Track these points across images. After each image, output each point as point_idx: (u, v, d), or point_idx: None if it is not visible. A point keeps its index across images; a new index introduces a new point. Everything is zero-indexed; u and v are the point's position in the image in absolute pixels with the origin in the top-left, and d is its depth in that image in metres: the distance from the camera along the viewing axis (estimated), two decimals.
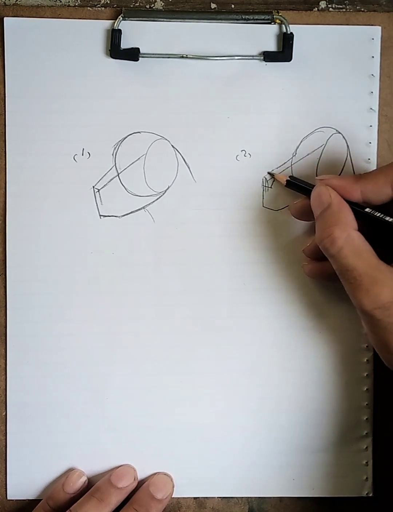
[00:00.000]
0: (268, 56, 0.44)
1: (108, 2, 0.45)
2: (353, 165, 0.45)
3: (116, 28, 0.44)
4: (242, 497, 0.46)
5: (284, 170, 0.45)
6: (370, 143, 0.45)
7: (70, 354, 0.45)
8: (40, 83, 0.44)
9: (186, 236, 0.45)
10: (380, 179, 0.40)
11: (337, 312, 0.45)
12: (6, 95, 0.44)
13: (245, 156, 0.45)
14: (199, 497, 0.46)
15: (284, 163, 0.45)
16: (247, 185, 0.45)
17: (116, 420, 0.45)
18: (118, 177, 0.45)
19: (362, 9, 0.45)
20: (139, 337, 0.45)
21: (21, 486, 0.45)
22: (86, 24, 0.44)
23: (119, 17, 0.44)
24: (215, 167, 0.45)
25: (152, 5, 0.45)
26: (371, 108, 0.45)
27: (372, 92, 0.45)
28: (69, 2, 0.45)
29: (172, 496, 0.45)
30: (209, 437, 0.45)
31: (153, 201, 0.45)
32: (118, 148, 0.45)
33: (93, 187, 0.45)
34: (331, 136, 0.45)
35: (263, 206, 0.45)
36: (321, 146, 0.45)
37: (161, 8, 0.45)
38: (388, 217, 0.40)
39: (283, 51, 0.44)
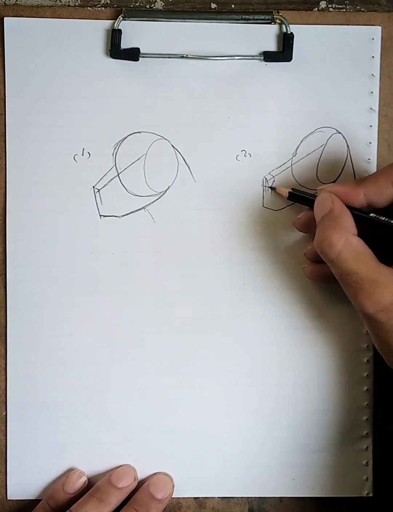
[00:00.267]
0: (268, 56, 0.44)
1: (108, 2, 0.45)
2: (353, 165, 0.45)
3: (116, 28, 0.44)
4: (242, 497, 0.46)
5: (284, 170, 0.45)
6: (370, 143, 0.45)
7: (70, 354, 0.45)
8: (40, 83, 0.44)
9: (186, 236, 0.45)
10: (381, 180, 0.40)
11: (337, 312, 0.45)
12: (6, 95, 0.44)
13: (245, 156, 0.45)
14: (199, 497, 0.46)
15: (284, 163, 0.45)
16: (247, 185, 0.45)
17: (116, 420, 0.45)
18: (118, 177, 0.45)
19: (362, 9, 0.45)
20: (139, 337, 0.45)
21: (21, 486, 0.45)
22: (86, 24, 0.44)
23: (119, 17, 0.44)
24: (215, 167, 0.45)
25: (152, 5, 0.45)
26: (371, 108, 0.45)
27: (372, 92, 0.45)
28: (69, 2, 0.45)
29: (172, 496, 0.45)
30: (209, 437, 0.45)
31: (153, 201, 0.45)
32: (118, 148, 0.45)
33: (93, 187, 0.45)
34: (331, 136, 0.45)
35: (263, 206, 0.45)
36: (321, 146, 0.45)
37: (161, 8, 0.45)
38: None
39: (283, 51, 0.44)
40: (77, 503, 0.43)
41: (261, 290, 0.45)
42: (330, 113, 0.45)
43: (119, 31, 0.44)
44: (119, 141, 0.45)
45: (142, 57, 0.44)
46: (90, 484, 0.45)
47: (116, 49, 0.44)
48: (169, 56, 0.44)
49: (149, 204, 0.45)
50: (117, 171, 0.45)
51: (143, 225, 0.45)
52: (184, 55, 0.44)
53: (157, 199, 0.45)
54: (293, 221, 0.44)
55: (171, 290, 0.45)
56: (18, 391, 0.45)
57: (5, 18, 0.44)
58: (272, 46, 0.44)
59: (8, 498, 0.45)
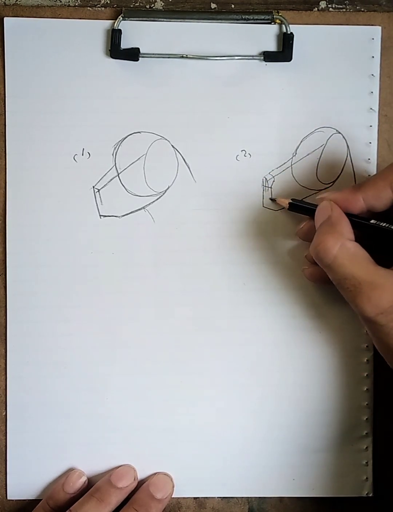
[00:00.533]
0: (268, 56, 0.44)
1: (108, 2, 0.45)
2: (353, 165, 0.45)
3: (116, 28, 0.44)
4: (242, 497, 0.46)
5: (284, 170, 0.45)
6: (370, 143, 0.45)
7: (70, 354, 0.45)
8: (40, 83, 0.44)
9: (186, 236, 0.45)
10: (379, 183, 0.40)
11: (337, 312, 0.45)
12: (6, 95, 0.44)
13: (245, 156, 0.45)
14: (199, 497, 0.46)
15: (284, 163, 0.45)
16: (247, 185, 0.45)
17: (116, 420, 0.45)
18: (118, 177, 0.45)
19: (362, 9, 0.45)
20: (139, 337, 0.45)
21: (21, 486, 0.45)
22: (86, 24, 0.44)
23: (119, 17, 0.44)
24: (215, 167, 0.45)
25: (152, 5, 0.45)
26: (371, 108, 0.45)
27: (372, 92, 0.45)
28: (69, 2, 0.45)
29: (172, 496, 0.45)
30: (209, 437, 0.45)
31: (153, 201, 0.45)
32: (118, 148, 0.45)
33: (93, 187, 0.45)
34: (331, 136, 0.45)
35: (263, 206, 0.45)
36: (321, 146, 0.45)
37: (161, 8, 0.45)
38: None
39: (283, 51, 0.44)
40: (77, 503, 0.43)
41: (261, 290, 0.45)
42: (330, 113, 0.45)
43: (119, 31, 0.44)
44: (119, 141, 0.45)
45: (142, 57, 0.44)
46: (90, 484, 0.45)
47: (116, 49, 0.44)
48: (169, 56, 0.44)
49: (149, 204, 0.45)
50: (117, 171, 0.45)
51: (143, 225, 0.45)
52: (184, 55, 0.44)
53: (157, 199, 0.45)
54: (296, 231, 0.44)
55: (171, 290, 0.45)
56: (18, 391, 0.45)
57: (5, 18, 0.44)
58: (272, 46, 0.44)
59: (8, 498, 0.45)
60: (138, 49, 0.44)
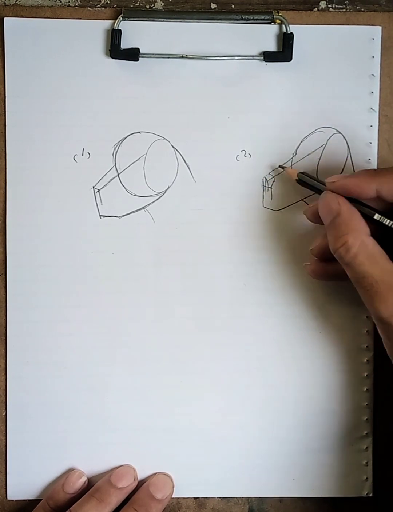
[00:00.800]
0: (268, 56, 0.44)
1: (108, 2, 0.45)
2: (353, 165, 0.45)
3: (116, 28, 0.44)
4: (242, 497, 0.46)
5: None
6: (370, 143, 0.45)
7: (70, 354, 0.45)
8: (40, 83, 0.44)
9: (186, 236, 0.45)
10: None
11: (338, 312, 0.45)
12: (6, 95, 0.44)
13: (245, 156, 0.45)
14: (199, 497, 0.46)
15: (284, 163, 0.45)
16: (247, 185, 0.45)
17: (116, 420, 0.45)
18: (118, 177, 0.45)
19: (362, 9, 0.45)
20: (139, 337, 0.45)
21: (21, 486, 0.45)
22: (86, 24, 0.44)
23: (119, 17, 0.44)
24: (215, 167, 0.45)
25: (152, 5, 0.45)
26: (371, 108, 0.45)
27: (372, 92, 0.45)
28: (69, 2, 0.45)
29: (172, 496, 0.45)
30: (209, 437, 0.45)
31: (153, 201, 0.45)
32: (118, 148, 0.45)
33: (93, 187, 0.45)
34: (331, 136, 0.45)
35: (263, 206, 0.45)
36: (321, 146, 0.45)
37: (161, 8, 0.45)
38: None
39: (283, 51, 0.44)
40: (77, 503, 0.43)
41: (261, 290, 0.45)
42: (330, 113, 0.45)
43: (119, 31, 0.44)
44: (119, 141, 0.45)
45: (142, 57, 0.44)
46: (90, 484, 0.45)
47: (116, 49, 0.44)
48: (169, 56, 0.44)
49: (149, 204, 0.45)
50: (117, 171, 0.45)
51: (143, 225, 0.45)
52: (184, 55, 0.44)
53: (157, 199, 0.45)
54: (304, 210, 0.43)
55: (171, 290, 0.45)
56: (18, 391, 0.45)
57: (5, 18, 0.44)
58: (272, 46, 0.44)
59: (8, 498, 0.45)
60: (138, 49, 0.44)
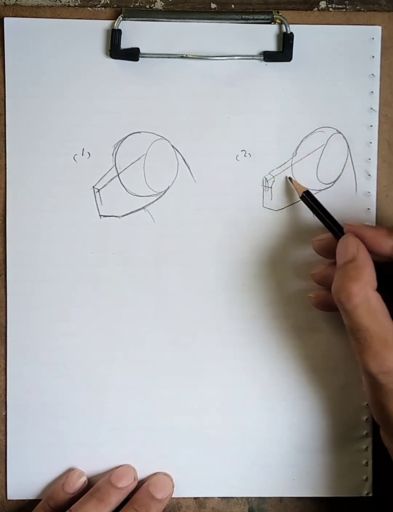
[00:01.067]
0: (268, 56, 0.44)
1: (108, 2, 0.45)
2: (353, 165, 0.45)
3: (116, 28, 0.44)
4: (242, 497, 0.46)
5: (284, 170, 0.45)
6: (370, 143, 0.45)
7: (70, 354, 0.45)
8: (40, 83, 0.44)
9: (186, 236, 0.45)
10: None
11: (338, 312, 0.45)
12: (6, 95, 0.44)
13: (245, 156, 0.45)
14: (199, 497, 0.46)
15: (284, 163, 0.45)
16: (247, 185, 0.45)
17: (116, 420, 0.45)
18: (118, 177, 0.45)
19: (362, 9, 0.45)
20: (139, 337, 0.45)
21: (21, 486, 0.45)
22: (86, 24, 0.44)
23: (119, 17, 0.44)
24: (215, 167, 0.45)
25: (152, 5, 0.45)
26: (371, 108, 0.45)
27: (372, 92, 0.45)
28: (69, 2, 0.45)
29: (172, 496, 0.45)
30: (209, 437, 0.45)
31: (153, 201, 0.45)
32: (118, 148, 0.45)
33: (93, 187, 0.45)
34: (331, 136, 0.45)
35: (263, 206, 0.45)
36: (321, 146, 0.45)
37: (161, 8, 0.45)
38: None
39: (283, 51, 0.44)
40: (77, 503, 0.43)
41: (261, 290, 0.45)
42: (330, 113, 0.45)
43: (119, 31, 0.44)
44: (119, 141, 0.45)
45: (142, 57, 0.44)
46: (90, 484, 0.45)
47: (116, 49, 0.44)
48: (169, 56, 0.44)
49: (149, 204, 0.45)
50: (117, 171, 0.45)
51: (143, 225, 0.45)
52: (184, 55, 0.44)
53: (157, 199, 0.45)
54: (312, 241, 0.43)
55: (171, 290, 0.45)
56: (18, 391, 0.45)
57: (5, 18, 0.44)
58: (272, 46, 0.44)
59: (8, 498, 0.45)
60: (138, 49, 0.44)
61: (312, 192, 0.44)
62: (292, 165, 0.45)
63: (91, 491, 0.44)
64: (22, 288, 0.45)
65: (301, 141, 0.45)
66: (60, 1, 0.45)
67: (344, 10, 0.45)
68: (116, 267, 0.45)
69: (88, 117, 0.45)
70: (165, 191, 0.45)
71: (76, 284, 0.45)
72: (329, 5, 0.45)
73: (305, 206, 0.44)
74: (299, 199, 0.44)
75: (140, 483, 0.45)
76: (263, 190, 0.45)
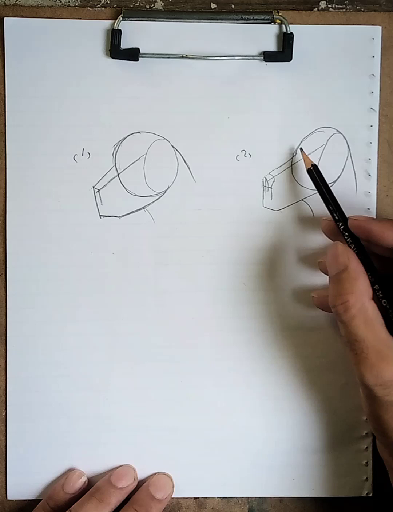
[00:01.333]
0: (268, 56, 0.44)
1: (108, 2, 0.45)
2: (353, 165, 0.45)
3: (116, 28, 0.44)
4: (242, 497, 0.46)
5: (284, 170, 0.45)
6: (370, 143, 0.45)
7: (70, 354, 0.45)
8: (40, 83, 0.44)
9: (186, 236, 0.45)
10: None
11: None
12: (6, 95, 0.44)
13: (245, 156, 0.45)
14: (199, 497, 0.46)
15: (284, 163, 0.45)
16: (247, 185, 0.45)
17: (116, 420, 0.45)
18: (118, 177, 0.45)
19: (362, 9, 0.45)
20: (139, 337, 0.45)
21: (21, 486, 0.45)
22: (86, 24, 0.44)
23: (119, 17, 0.44)
24: (215, 167, 0.45)
25: (152, 5, 0.45)
26: (371, 108, 0.45)
27: (372, 92, 0.45)
28: (69, 2, 0.45)
29: (172, 496, 0.45)
30: (209, 437, 0.45)
31: (153, 201, 0.45)
32: (118, 148, 0.45)
33: (93, 187, 0.45)
34: (331, 136, 0.45)
35: (263, 206, 0.45)
36: (321, 146, 0.45)
37: (161, 8, 0.45)
38: None
39: (283, 51, 0.44)
40: (77, 503, 0.43)
41: (261, 290, 0.45)
42: (330, 113, 0.45)
43: (119, 31, 0.44)
44: (119, 141, 0.45)
45: (142, 57, 0.44)
46: (90, 484, 0.45)
47: (116, 49, 0.44)
48: (169, 56, 0.44)
49: (149, 204, 0.45)
50: (117, 171, 0.45)
51: (143, 225, 0.45)
52: (184, 55, 0.44)
53: (157, 199, 0.45)
54: (321, 220, 0.43)
55: (171, 290, 0.45)
56: (18, 391, 0.45)
57: (5, 18, 0.44)
58: (272, 46, 0.44)
59: (8, 498, 0.45)
60: (138, 49, 0.44)
61: (312, 192, 0.44)
62: (292, 165, 0.45)
63: (91, 491, 0.44)
64: (22, 288, 0.45)
65: (301, 141, 0.45)
66: (60, 1, 0.45)
67: (344, 10, 0.45)
68: (116, 267, 0.45)
69: (88, 117, 0.45)
70: (165, 191, 0.45)
71: (76, 284, 0.45)
72: (329, 5, 0.45)
73: (305, 206, 0.44)
74: (299, 199, 0.45)
75: (140, 483, 0.45)
76: (263, 190, 0.45)
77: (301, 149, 0.44)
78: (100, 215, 0.45)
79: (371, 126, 0.45)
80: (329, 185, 0.43)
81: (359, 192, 0.45)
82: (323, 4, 0.45)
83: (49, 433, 0.45)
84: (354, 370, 0.38)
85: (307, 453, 0.46)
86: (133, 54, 0.44)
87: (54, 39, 0.44)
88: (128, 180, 0.45)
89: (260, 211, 0.45)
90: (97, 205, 0.45)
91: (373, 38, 0.45)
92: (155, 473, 0.45)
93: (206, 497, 0.46)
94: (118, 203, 0.45)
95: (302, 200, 0.45)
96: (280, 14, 0.44)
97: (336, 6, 0.45)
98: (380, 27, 0.45)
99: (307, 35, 0.44)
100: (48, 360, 0.45)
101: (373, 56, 0.45)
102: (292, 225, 0.45)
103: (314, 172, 0.43)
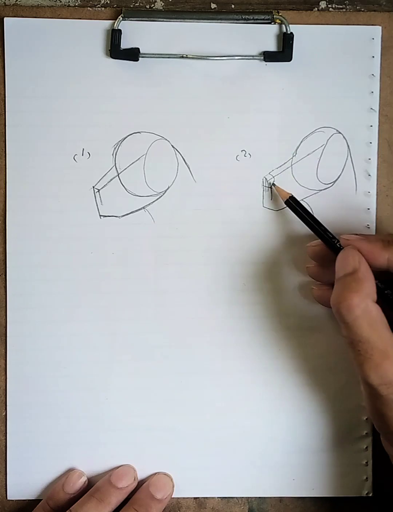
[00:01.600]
0: (268, 56, 0.44)
1: (108, 2, 0.45)
2: (353, 165, 0.45)
3: (116, 28, 0.44)
4: (242, 497, 0.46)
5: (284, 170, 0.45)
6: (370, 143, 0.45)
7: (70, 354, 0.45)
8: (40, 83, 0.44)
9: (186, 236, 0.45)
10: None
11: None
12: (6, 95, 0.44)
13: (245, 156, 0.45)
14: (199, 497, 0.46)
15: (284, 163, 0.45)
16: (247, 185, 0.45)
17: (116, 420, 0.45)
18: (118, 177, 0.45)
19: (362, 9, 0.45)
20: (139, 337, 0.45)
21: (21, 486, 0.45)
22: (86, 24, 0.44)
23: (119, 17, 0.44)
24: (215, 167, 0.45)
25: (152, 5, 0.45)
26: (371, 108, 0.45)
27: (372, 92, 0.45)
28: (69, 2, 0.45)
29: (172, 496, 0.45)
30: (209, 437, 0.45)
31: (153, 201, 0.45)
32: (118, 148, 0.45)
33: (93, 187, 0.45)
34: (331, 136, 0.45)
35: (263, 206, 0.45)
36: (321, 146, 0.45)
37: (161, 8, 0.45)
38: None
39: (283, 51, 0.44)
40: (77, 503, 0.43)
41: (261, 290, 0.45)
42: (330, 113, 0.45)
43: (119, 31, 0.44)
44: (119, 141, 0.45)
45: (142, 57, 0.44)
46: (90, 484, 0.45)
47: (116, 49, 0.44)
48: (169, 56, 0.44)
49: (149, 204, 0.45)
50: (117, 171, 0.45)
51: (143, 225, 0.45)
52: (184, 55, 0.44)
53: (157, 199, 0.45)
54: (307, 246, 0.43)
55: (171, 290, 0.45)
56: (18, 391, 0.45)
57: (5, 18, 0.44)
58: (272, 46, 0.44)
59: (8, 498, 0.45)
60: (138, 49, 0.44)
61: (312, 192, 0.44)
62: (292, 165, 0.45)
63: (91, 491, 0.44)
64: (22, 288, 0.45)
65: (301, 141, 0.45)
66: (60, 1, 0.45)
67: (344, 10, 0.45)
68: (116, 267, 0.45)
69: (88, 117, 0.45)
70: (165, 191, 0.45)
71: (76, 284, 0.45)
72: (329, 5, 0.45)
73: (305, 206, 0.44)
74: (299, 199, 0.45)
75: (140, 483, 0.45)
76: (263, 190, 0.45)
77: (273, 184, 0.44)
78: (100, 215, 0.45)
79: (371, 126, 0.45)
80: (328, 186, 0.44)
81: (359, 192, 0.45)
82: (323, 4, 0.45)
83: (49, 433, 0.45)
84: (356, 369, 0.38)
85: (307, 453, 0.46)
86: (133, 54, 0.44)
87: (54, 39, 0.44)
88: (128, 180, 0.45)
89: (260, 211, 0.45)
90: (97, 205, 0.45)
91: (373, 38, 0.45)
92: (155, 473, 0.45)
93: (206, 497, 0.46)
94: (118, 203, 0.45)
95: (302, 200, 0.45)
96: (280, 14, 0.44)
97: (336, 6, 0.45)
98: (380, 27, 0.45)
99: (307, 35, 0.44)
100: (48, 360, 0.45)
101: (373, 56, 0.45)
102: (292, 225, 0.45)
103: (292, 203, 0.43)
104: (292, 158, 0.45)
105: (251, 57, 0.44)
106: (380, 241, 0.40)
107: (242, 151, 0.45)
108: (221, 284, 0.45)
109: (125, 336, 0.45)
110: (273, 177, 0.45)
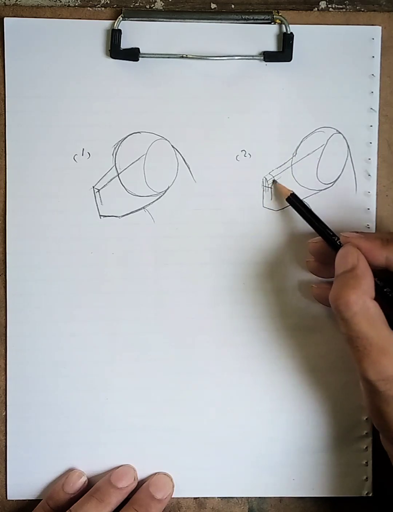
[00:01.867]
0: (268, 56, 0.44)
1: (108, 2, 0.45)
2: (353, 165, 0.45)
3: (116, 28, 0.44)
4: (242, 497, 0.46)
5: (284, 170, 0.45)
6: (370, 143, 0.45)
7: (70, 354, 0.45)
8: (40, 83, 0.44)
9: (186, 236, 0.45)
10: None
11: None
12: (6, 95, 0.44)
13: (245, 156, 0.45)
14: (199, 497, 0.46)
15: (284, 163, 0.45)
16: (247, 185, 0.45)
17: (116, 420, 0.45)
18: (118, 177, 0.45)
19: (362, 9, 0.45)
20: (139, 337, 0.45)
21: (21, 486, 0.45)
22: (86, 24, 0.44)
23: (119, 17, 0.44)
24: (215, 167, 0.45)
25: (152, 5, 0.45)
26: (371, 108, 0.45)
27: (372, 92, 0.45)
28: (69, 2, 0.45)
29: (172, 496, 0.45)
30: (209, 437, 0.45)
31: (153, 201, 0.45)
32: (118, 148, 0.45)
33: (93, 187, 0.45)
34: (331, 136, 0.45)
35: (263, 206, 0.45)
36: (321, 146, 0.45)
37: (161, 8, 0.45)
38: None
39: (283, 51, 0.44)
40: (77, 503, 0.43)
41: (261, 290, 0.45)
42: (330, 113, 0.45)
43: (119, 31, 0.44)
44: (119, 141, 0.45)
45: (142, 57, 0.44)
46: (90, 484, 0.45)
47: (116, 49, 0.44)
48: (169, 56, 0.44)
49: (149, 204, 0.45)
50: (117, 171, 0.45)
51: (143, 225, 0.45)
52: (184, 55, 0.44)
53: (157, 199, 0.45)
54: (309, 243, 0.43)
55: (171, 290, 0.45)
56: (18, 391, 0.45)
57: (5, 18, 0.44)
58: (272, 46, 0.44)
59: (8, 498, 0.45)
60: (138, 49, 0.44)
61: (312, 192, 0.44)
62: (292, 165, 0.45)
63: (91, 491, 0.44)
64: (22, 288, 0.45)
65: (301, 141, 0.45)
66: (60, 1, 0.45)
67: (344, 10, 0.45)
68: (116, 267, 0.45)
69: (88, 117, 0.45)
70: (165, 191, 0.45)
71: (76, 284, 0.45)
72: (329, 5, 0.45)
73: None
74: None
75: (140, 483, 0.45)
76: (263, 190, 0.45)
77: (274, 181, 0.44)
78: (100, 215, 0.45)
79: (371, 126, 0.45)
80: (328, 186, 0.44)
81: (359, 192, 0.45)
82: (323, 4, 0.45)
83: (49, 433, 0.45)
84: (355, 366, 0.38)
85: (307, 453, 0.46)
86: (133, 54, 0.44)
87: (54, 39, 0.44)
88: (128, 180, 0.45)
89: (260, 211, 0.45)
90: (97, 205, 0.45)
91: (373, 38, 0.45)
92: (155, 473, 0.45)
93: (206, 497, 0.46)
94: (118, 203, 0.45)
95: (302, 200, 0.45)
96: (280, 14, 0.44)
97: (336, 6, 0.45)
98: (380, 27, 0.45)
99: (307, 35, 0.44)
100: (48, 360, 0.45)
101: (373, 56, 0.45)
102: (292, 225, 0.45)
103: (294, 200, 0.43)
104: (292, 158, 0.45)
105: (251, 57, 0.44)
106: (379, 239, 0.40)
107: (242, 151, 0.45)
108: (220, 284, 0.45)
109: (125, 336, 0.45)
110: (273, 177, 0.45)
